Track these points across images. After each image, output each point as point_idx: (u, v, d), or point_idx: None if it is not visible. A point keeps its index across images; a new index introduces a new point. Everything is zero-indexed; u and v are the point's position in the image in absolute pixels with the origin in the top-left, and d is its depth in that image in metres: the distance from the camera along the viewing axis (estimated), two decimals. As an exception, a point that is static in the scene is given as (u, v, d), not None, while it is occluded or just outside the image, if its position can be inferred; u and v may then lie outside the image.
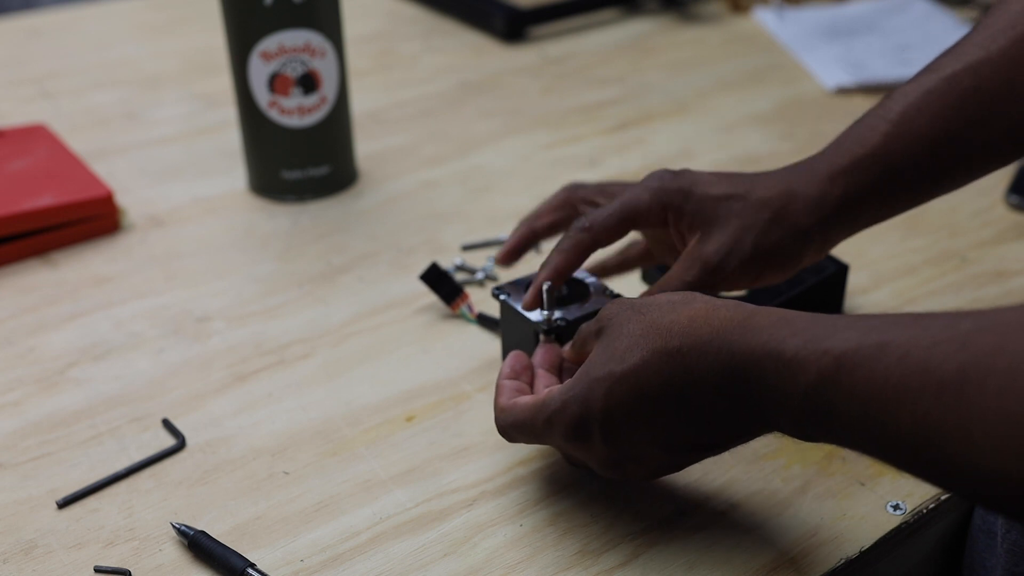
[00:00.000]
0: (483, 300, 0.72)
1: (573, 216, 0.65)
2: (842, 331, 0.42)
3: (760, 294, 0.70)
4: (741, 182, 0.59)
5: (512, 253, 0.67)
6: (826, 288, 0.70)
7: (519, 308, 0.61)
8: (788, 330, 0.44)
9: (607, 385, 0.49)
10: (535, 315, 0.60)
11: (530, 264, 0.79)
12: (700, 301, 0.49)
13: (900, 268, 0.76)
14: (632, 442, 0.49)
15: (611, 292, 0.63)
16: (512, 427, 0.54)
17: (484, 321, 0.70)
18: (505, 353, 0.65)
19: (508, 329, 0.64)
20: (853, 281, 0.73)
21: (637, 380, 0.48)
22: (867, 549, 0.54)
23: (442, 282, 0.70)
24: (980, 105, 0.57)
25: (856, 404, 0.40)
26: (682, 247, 0.60)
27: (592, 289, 0.63)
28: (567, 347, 0.57)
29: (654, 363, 0.47)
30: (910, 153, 0.58)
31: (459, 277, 0.76)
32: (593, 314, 0.60)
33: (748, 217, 0.57)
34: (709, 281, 0.57)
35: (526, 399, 0.53)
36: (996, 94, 0.57)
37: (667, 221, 0.59)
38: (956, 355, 0.37)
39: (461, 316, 0.70)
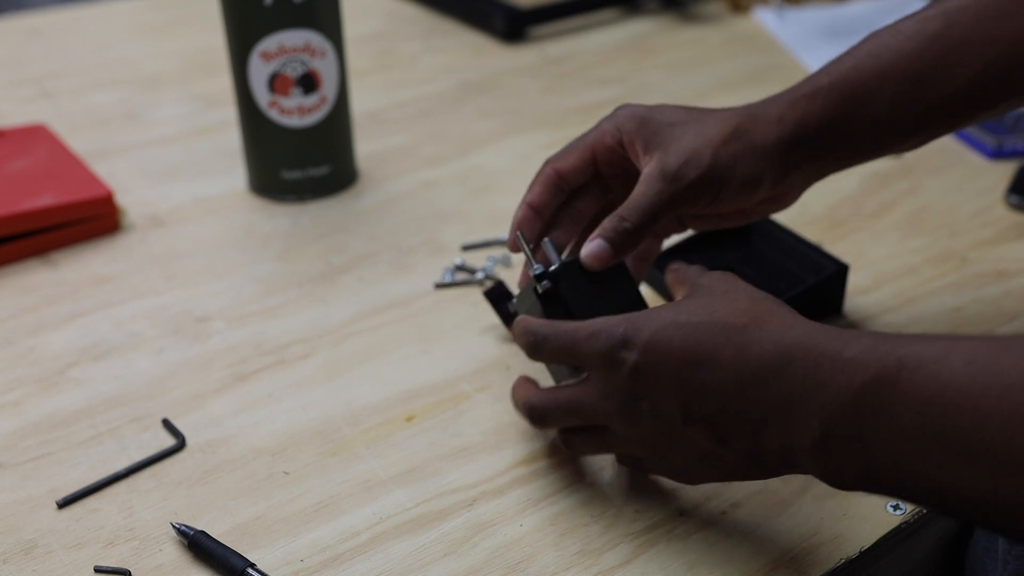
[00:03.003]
0: (483, 300, 0.72)
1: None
2: (905, 338, 0.42)
3: (760, 294, 0.70)
4: (697, 110, 0.59)
5: (516, 242, 0.63)
6: (826, 288, 0.70)
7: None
8: (848, 335, 0.45)
9: (662, 324, 0.49)
10: (535, 269, 0.57)
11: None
12: (769, 299, 0.51)
13: (900, 268, 0.76)
14: (655, 394, 0.49)
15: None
16: (554, 340, 0.53)
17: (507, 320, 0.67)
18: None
19: (523, 309, 0.60)
20: (853, 281, 0.73)
21: (692, 334, 0.48)
22: (867, 549, 0.54)
23: (505, 301, 0.65)
24: (947, 48, 0.57)
25: (913, 406, 0.39)
26: (640, 168, 0.59)
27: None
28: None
29: (712, 329, 0.48)
30: (871, 87, 0.57)
31: (459, 277, 0.75)
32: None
33: (707, 132, 0.57)
34: (669, 192, 0.56)
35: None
36: (964, 39, 0.57)
37: (624, 145, 0.59)
38: (1014, 358, 0.37)
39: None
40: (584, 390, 0.53)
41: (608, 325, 0.51)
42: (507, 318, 0.66)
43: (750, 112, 0.59)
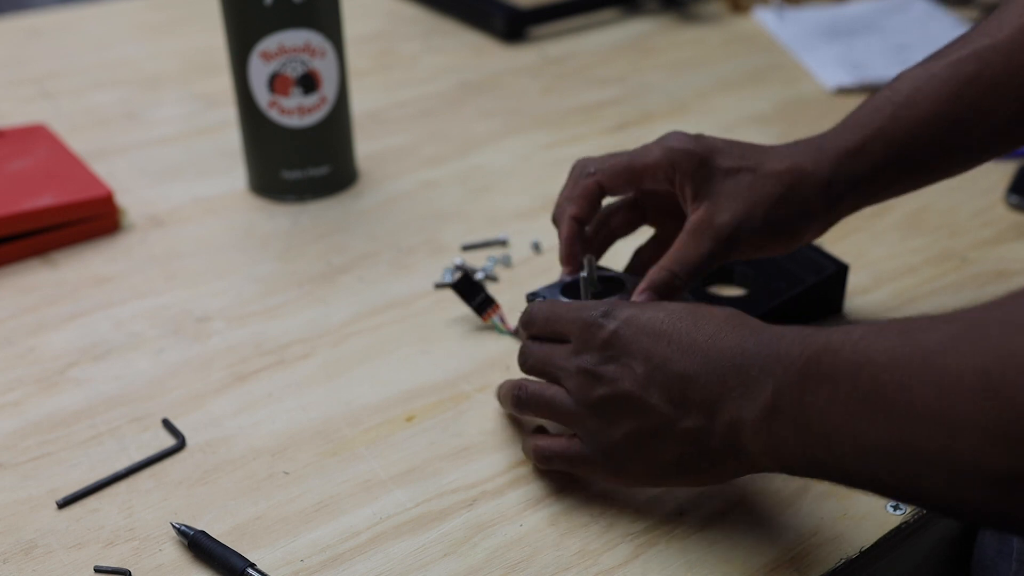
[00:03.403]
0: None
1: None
2: (871, 323, 0.43)
3: (760, 294, 0.71)
4: (753, 154, 0.60)
5: (570, 257, 0.63)
6: (826, 288, 0.70)
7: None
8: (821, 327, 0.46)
9: (646, 307, 0.53)
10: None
11: (560, 268, 0.79)
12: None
13: (900, 268, 0.76)
14: (624, 358, 0.51)
15: None
16: (544, 310, 0.56)
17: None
18: None
19: None
20: (853, 281, 0.73)
21: (671, 316, 0.51)
22: (867, 549, 0.54)
23: (473, 292, 0.69)
24: (983, 90, 0.58)
25: (848, 371, 0.41)
26: (685, 210, 0.60)
27: (628, 285, 0.62)
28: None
29: (691, 316, 0.51)
30: (914, 135, 0.59)
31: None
32: None
33: (759, 190, 0.58)
34: (722, 252, 0.58)
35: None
36: (999, 80, 0.58)
37: (673, 182, 0.59)
38: (946, 326, 0.39)
39: (493, 327, 0.69)
40: (558, 347, 0.54)
41: (598, 301, 0.54)
42: (477, 307, 0.69)
43: (800, 168, 0.59)
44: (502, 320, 0.69)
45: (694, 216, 0.58)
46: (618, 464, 0.52)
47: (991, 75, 0.58)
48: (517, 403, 0.56)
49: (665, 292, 0.58)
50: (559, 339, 0.55)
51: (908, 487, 0.40)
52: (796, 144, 0.61)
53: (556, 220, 0.63)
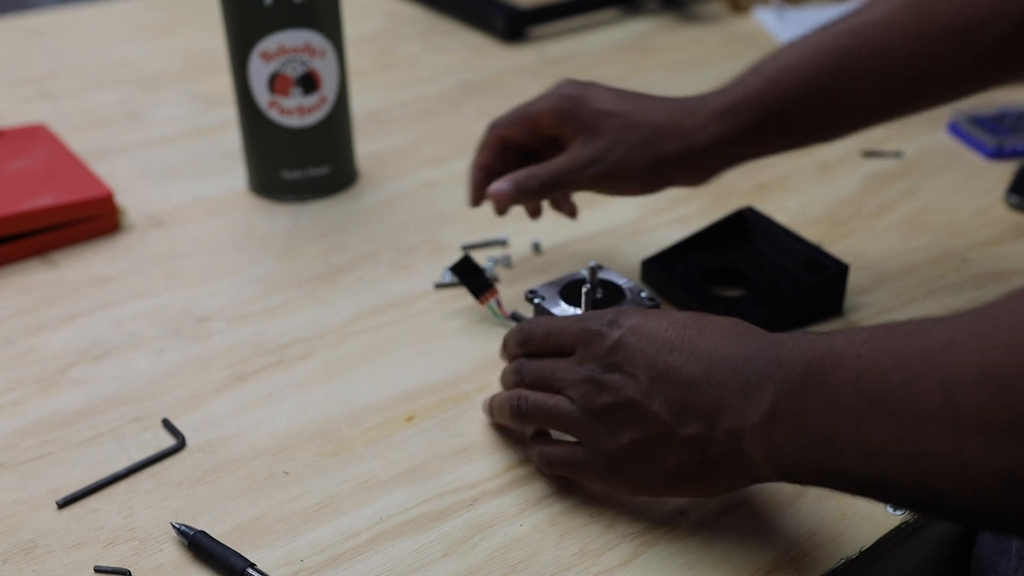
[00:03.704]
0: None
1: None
2: (872, 326, 0.43)
3: (761, 294, 0.71)
4: (630, 102, 0.67)
5: (477, 195, 0.73)
6: (826, 288, 0.70)
7: (555, 312, 0.62)
8: (822, 332, 0.46)
9: (651, 315, 0.53)
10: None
11: (560, 268, 0.79)
12: None
13: (900, 268, 0.76)
14: (627, 367, 0.51)
15: (647, 295, 0.63)
16: (544, 324, 0.56)
17: (518, 321, 0.69)
18: None
19: None
20: (853, 281, 0.73)
21: (675, 326, 0.51)
22: (867, 549, 0.54)
23: (472, 275, 0.69)
24: (856, 63, 0.63)
25: (852, 374, 0.41)
26: (567, 146, 0.68)
27: (628, 293, 0.63)
28: None
29: (696, 325, 0.51)
30: (787, 100, 0.64)
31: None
32: None
33: (623, 133, 0.66)
34: (574, 176, 0.67)
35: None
36: (872, 54, 0.62)
37: (561, 124, 0.67)
38: (949, 328, 0.39)
39: (489, 311, 0.70)
40: (560, 360, 0.55)
41: (600, 311, 0.55)
42: (476, 289, 0.69)
43: (669, 122, 0.65)
44: (499, 304, 0.69)
45: (569, 146, 0.68)
46: (621, 472, 0.52)
47: (866, 49, 0.62)
48: (517, 413, 0.56)
49: (522, 190, 0.67)
50: (558, 353, 0.55)
51: (916, 491, 0.40)
52: (679, 99, 0.67)
53: (470, 170, 0.73)
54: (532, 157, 0.71)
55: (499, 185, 0.68)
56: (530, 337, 0.57)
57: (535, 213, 0.76)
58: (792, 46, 0.65)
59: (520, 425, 0.58)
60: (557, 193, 0.69)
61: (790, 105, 0.64)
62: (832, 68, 0.63)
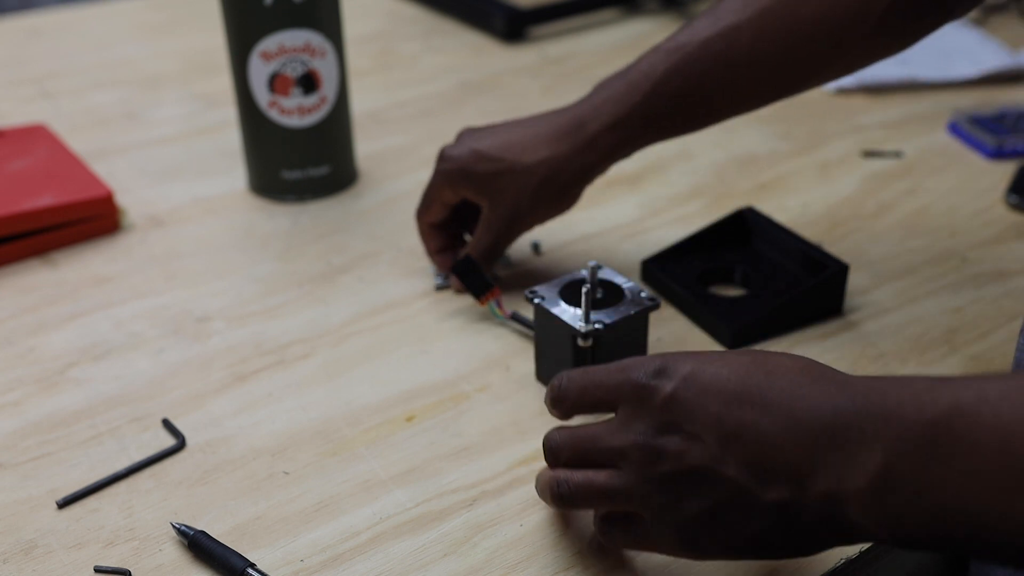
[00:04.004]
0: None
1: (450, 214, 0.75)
2: (974, 376, 0.40)
3: (761, 294, 0.71)
4: (510, 153, 0.69)
5: (440, 255, 0.75)
6: (826, 288, 0.70)
7: (555, 312, 0.62)
8: (911, 377, 0.41)
9: (706, 360, 0.46)
10: (573, 320, 0.61)
11: (560, 268, 0.79)
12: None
13: (900, 268, 0.76)
14: (688, 427, 0.44)
15: (647, 295, 0.63)
16: (580, 378, 0.49)
17: (518, 321, 0.69)
18: (538, 356, 0.65)
19: (543, 333, 0.64)
20: (853, 281, 0.73)
21: (738, 372, 0.44)
22: (867, 549, 0.53)
23: (473, 275, 0.69)
24: (728, 69, 0.65)
25: (995, 438, 0.36)
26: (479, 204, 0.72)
27: (627, 293, 0.63)
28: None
29: (761, 371, 0.44)
30: (666, 110, 0.66)
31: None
32: (630, 318, 0.62)
33: (518, 184, 0.69)
34: (506, 236, 0.71)
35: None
36: (742, 60, 0.64)
37: (461, 191, 0.71)
38: None
39: (490, 311, 0.70)
40: (604, 424, 0.48)
41: (644, 358, 0.47)
42: (477, 289, 0.69)
43: (554, 158, 0.68)
44: (499, 305, 0.69)
45: (482, 213, 0.71)
46: (694, 543, 0.45)
47: (735, 56, 0.64)
48: (560, 501, 0.49)
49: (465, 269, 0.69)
50: (596, 410, 0.49)
51: None
52: (558, 126, 0.69)
53: (430, 257, 0.76)
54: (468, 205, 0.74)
55: (453, 281, 0.73)
56: (563, 396, 0.50)
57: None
58: (664, 52, 0.66)
59: (567, 511, 0.53)
60: (499, 257, 0.73)
61: (670, 112, 0.67)
62: (707, 78, 0.65)
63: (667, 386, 0.45)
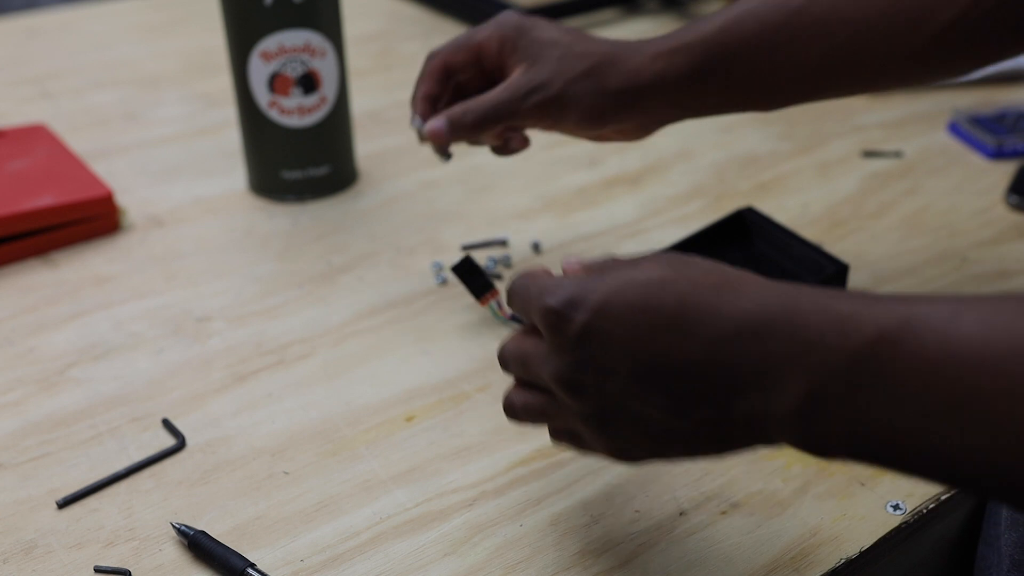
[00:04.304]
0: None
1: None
2: (907, 298, 0.38)
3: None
4: (573, 34, 0.65)
5: (426, 116, 0.69)
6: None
7: None
8: (839, 293, 0.40)
9: (619, 283, 0.44)
10: None
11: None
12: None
13: (900, 268, 0.76)
14: (603, 361, 0.44)
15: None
16: (519, 290, 0.49)
17: (518, 322, 0.69)
18: None
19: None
20: (853, 281, 0.73)
21: (653, 292, 0.43)
22: (867, 549, 0.54)
23: (474, 275, 0.68)
24: (804, 23, 0.61)
25: (921, 370, 0.36)
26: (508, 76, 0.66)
27: None
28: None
29: (678, 288, 0.43)
30: (732, 48, 0.62)
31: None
32: None
33: (565, 62, 0.63)
34: (511, 107, 0.64)
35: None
36: (820, 17, 0.61)
37: (503, 51, 0.66)
38: None
39: (490, 312, 0.70)
40: (537, 346, 0.47)
41: (562, 282, 0.46)
42: (477, 290, 0.68)
43: (614, 54, 0.63)
44: (499, 306, 0.69)
45: (509, 75, 0.65)
46: (624, 454, 0.47)
47: (814, 12, 0.61)
48: (511, 418, 0.51)
49: (456, 125, 0.65)
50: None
51: (1002, 488, 0.36)
52: (625, 40, 0.65)
53: (412, 101, 0.69)
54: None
55: (433, 124, 0.66)
56: (510, 300, 0.50)
57: (502, 150, 0.71)
58: (745, 1, 0.63)
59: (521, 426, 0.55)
60: (496, 127, 0.65)
61: (736, 54, 0.62)
62: (781, 25, 0.61)
63: (579, 318, 0.44)
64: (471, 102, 0.65)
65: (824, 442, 0.40)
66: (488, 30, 0.66)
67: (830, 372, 0.38)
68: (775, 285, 0.42)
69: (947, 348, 0.35)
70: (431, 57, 0.68)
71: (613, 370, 0.43)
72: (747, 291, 0.42)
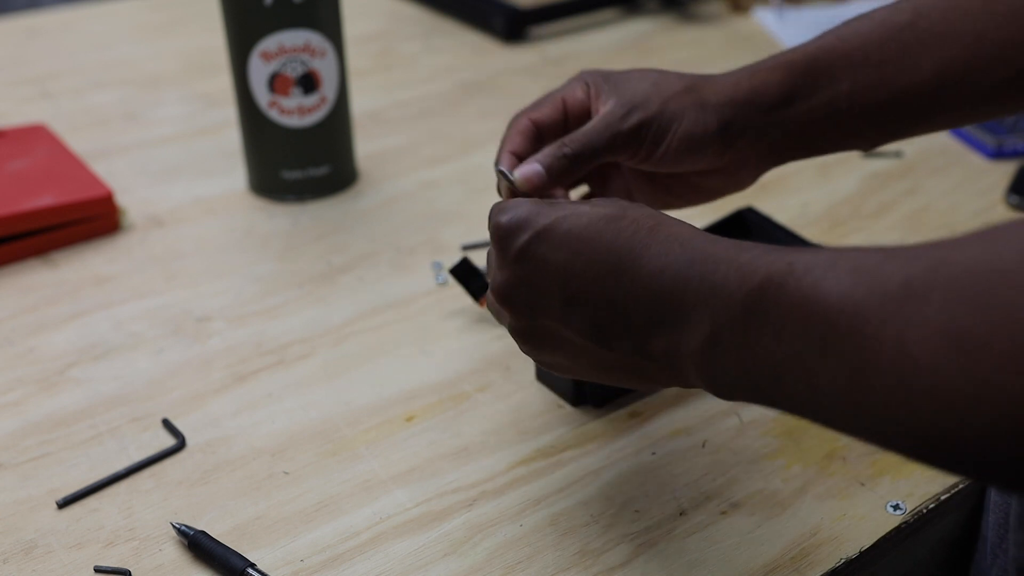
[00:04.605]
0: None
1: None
2: (798, 248, 0.41)
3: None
4: (665, 72, 0.61)
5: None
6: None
7: None
8: (746, 244, 0.43)
9: (567, 212, 0.47)
10: None
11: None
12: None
13: (900, 268, 0.76)
14: (536, 282, 0.47)
15: None
16: (492, 210, 0.50)
17: None
18: None
19: None
20: (853, 281, 0.73)
21: (595, 224, 0.46)
22: (867, 549, 0.54)
23: (471, 277, 0.68)
24: (911, 40, 0.58)
25: (796, 312, 0.38)
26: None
27: None
28: None
29: (619, 224, 0.46)
30: (834, 67, 0.58)
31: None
32: None
33: (661, 85, 0.59)
34: (611, 131, 0.58)
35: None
36: (928, 32, 0.58)
37: (590, 96, 0.61)
38: (904, 268, 0.36)
39: (489, 312, 0.69)
40: (493, 257, 0.51)
41: (519, 203, 0.49)
42: (475, 291, 0.68)
43: (709, 76, 0.61)
44: None
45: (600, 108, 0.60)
46: (564, 371, 0.50)
47: (922, 27, 0.58)
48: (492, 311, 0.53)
49: (554, 165, 0.58)
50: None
51: (862, 432, 0.38)
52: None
53: (497, 159, 0.62)
54: None
55: (524, 169, 0.58)
56: (490, 216, 0.51)
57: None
58: (848, 20, 0.60)
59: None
60: (595, 159, 0.59)
61: (836, 74, 0.58)
62: (887, 39, 0.57)
63: (522, 238, 0.47)
64: (565, 138, 0.59)
65: (725, 381, 0.42)
66: (571, 83, 0.62)
67: (728, 313, 0.41)
68: (701, 235, 0.45)
69: (819, 292, 0.38)
70: (515, 119, 0.62)
71: (545, 292, 0.47)
72: (677, 236, 0.45)
